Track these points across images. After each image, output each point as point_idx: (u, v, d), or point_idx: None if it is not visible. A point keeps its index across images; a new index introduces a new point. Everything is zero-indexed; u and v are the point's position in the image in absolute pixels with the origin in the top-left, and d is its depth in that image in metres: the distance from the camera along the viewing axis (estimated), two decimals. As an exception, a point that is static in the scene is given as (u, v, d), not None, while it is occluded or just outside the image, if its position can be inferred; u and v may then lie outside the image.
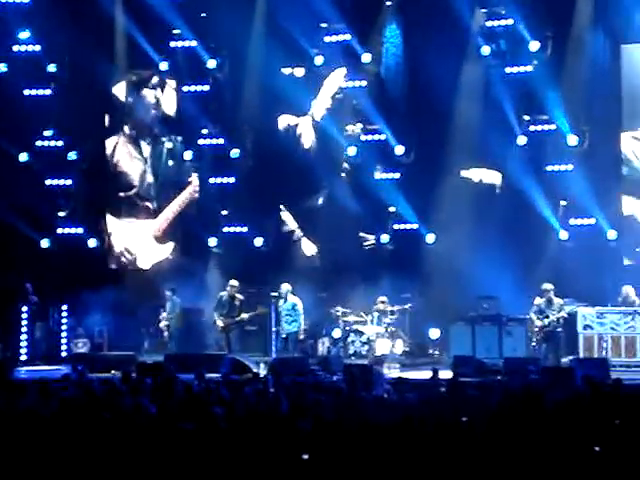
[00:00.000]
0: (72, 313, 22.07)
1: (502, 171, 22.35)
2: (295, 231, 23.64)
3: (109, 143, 24.39)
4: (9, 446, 8.63)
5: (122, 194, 24.38)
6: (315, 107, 23.49)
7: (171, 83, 23.90)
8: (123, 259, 24.38)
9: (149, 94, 24.18)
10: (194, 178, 23.98)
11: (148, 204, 24.29)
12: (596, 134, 21.43)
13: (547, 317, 19.39)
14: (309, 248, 23.57)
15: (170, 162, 24.17)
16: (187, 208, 24.06)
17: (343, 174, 23.34)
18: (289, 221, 23.71)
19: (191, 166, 23.90)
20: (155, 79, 24.08)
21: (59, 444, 8.70)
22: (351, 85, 23.03)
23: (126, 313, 22.40)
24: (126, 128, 24.33)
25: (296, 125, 23.61)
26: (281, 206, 23.66)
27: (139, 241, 24.29)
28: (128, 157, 24.39)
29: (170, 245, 24.11)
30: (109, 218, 24.35)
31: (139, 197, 24.33)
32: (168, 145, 24.11)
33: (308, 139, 23.64)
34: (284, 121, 23.64)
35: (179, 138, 24.01)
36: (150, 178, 24.32)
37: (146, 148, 24.34)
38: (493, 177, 22.56)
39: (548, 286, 19.49)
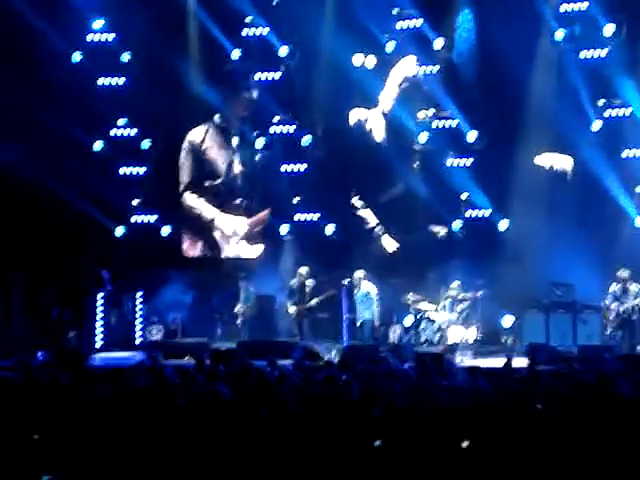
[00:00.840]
0: (146, 301, 22.30)
1: (576, 157, 22.10)
2: (376, 228, 23.50)
3: (198, 131, 24.40)
4: (85, 434, 8.75)
5: (207, 183, 24.40)
6: (383, 99, 23.40)
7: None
8: (205, 248, 24.33)
9: (244, 93, 24.03)
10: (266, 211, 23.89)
11: (237, 200, 24.19)
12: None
13: (623, 304, 19.18)
14: (390, 244, 23.42)
15: (257, 156, 24.09)
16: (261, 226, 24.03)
17: (416, 163, 23.21)
18: (369, 217, 23.56)
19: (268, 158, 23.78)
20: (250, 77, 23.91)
21: (135, 432, 8.80)
22: (423, 71, 22.91)
23: (199, 301, 22.60)
24: (216, 118, 24.32)
25: (366, 119, 23.53)
26: (358, 202, 23.52)
27: (226, 232, 24.22)
28: (217, 146, 24.38)
29: (260, 247, 24.04)
30: (194, 200, 24.28)
31: (226, 189, 24.31)
32: (254, 138, 23.96)
33: (379, 133, 23.55)
34: (355, 115, 23.58)
35: (260, 140, 23.79)
36: (237, 169, 24.29)
37: (235, 140, 24.31)
38: (564, 162, 22.32)
39: (624, 272, 19.27)
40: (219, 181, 24.30)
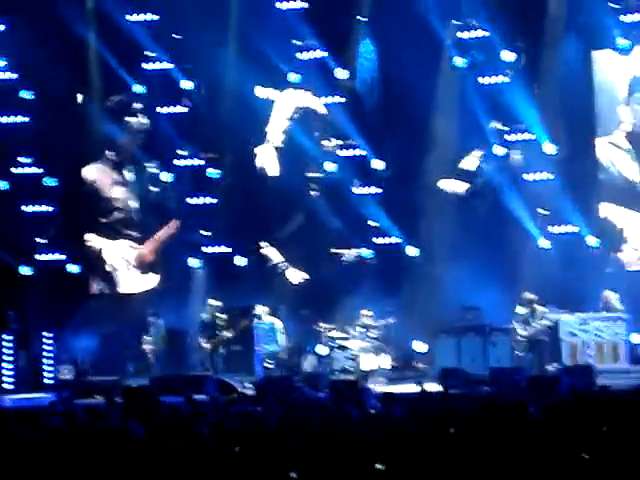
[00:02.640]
0: (56, 340, 21.96)
1: (479, 180, 22.40)
2: (279, 264, 23.54)
3: (91, 169, 24.27)
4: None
5: (104, 220, 24.26)
6: (271, 132, 23.48)
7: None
8: (104, 284, 24.21)
9: (131, 120, 24.05)
10: (174, 221, 23.83)
11: (131, 232, 24.13)
12: (573, 141, 21.55)
13: (530, 326, 19.46)
14: (295, 276, 23.47)
15: (152, 188, 24.04)
16: (168, 240, 23.90)
17: (317, 192, 23.28)
18: (272, 254, 23.59)
19: (172, 190, 23.74)
20: (136, 105, 23.93)
21: (47, 472, 8.64)
22: (321, 102, 23.09)
23: (109, 338, 22.33)
24: (108, 153, 24.22)
25: (257, 155, 23.61)
26: (261, 243, 23.54)
27: (122, 267, 24.14)
28: (111, 183, 24.27)
29: (155, 277, 23.93)
30: (92, 237, 24.14)
31: (122, 223, 24.20)
32: (152, 170, 23.95)
33: (272, 166, 23.61)
34: (256, 152, 23.68)
35: (159, 164, 23.81)
36: (133, 204, 24.20)
37: (129, 174, 24.23)
38: (465, 187, 22.61)
39: (530, 296, 19.58)
40: (114, 217, 24.15)
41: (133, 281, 24.12)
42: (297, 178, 23.29)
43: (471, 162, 22.36)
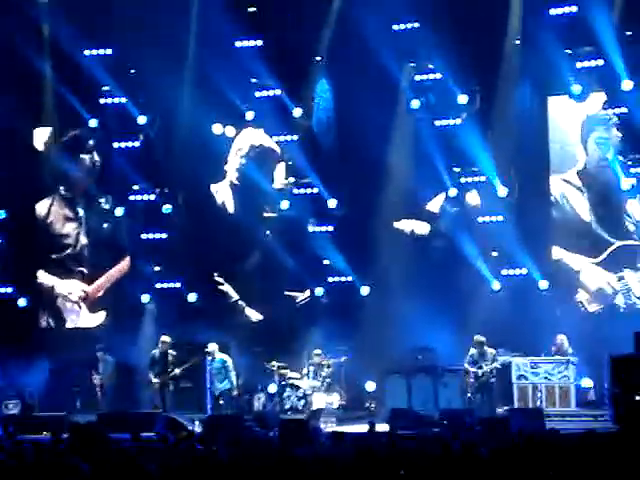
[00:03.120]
0: (2, 374, 21.69)
1: (434, 223, 22.51)
2: (238, 302, 23.48)
3: (43, 204, 24.13)
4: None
5: (54, 256, 24.07)
6: (228, 170, 23.52)
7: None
8: (53, 320, 24.00)
9: (85, 157, 23.95)
10: (127, 259, 23.72)
11: (81, 268, 23.96)
12: (526, 184, 21.73)
13: (481, 368, 19.51)
14: (254, 315, 23.42)
15: (105, 224, 23.92)
16: (119, 279, 23.76)
17: (270, 231, 23.28)
18: (230, 292, 23.53)
19: (126, 225, 23.62)
20: (91, 142, 23.85)
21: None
22: (275, 140, 23.14)
23: (58, 373, 22.08)
24: (61, 189, 24.09)
25: (217, 192, 23.61)
26: (218, 277, 23.47)
27: (71, 305, 23.96)
28: (62, 218, 24.13)
29: (102, 314, 23.78)
30: (42, 275, 24.02)
31: (72, 259, 24.04)
32: (105, 206, 23.85)
33: (230, 203, 23.61)
34: (212, 188, 23.66)
35: (119, 209, 23.61)
36: (84, 240, 24.04)
37: (81, 210, 24.09)
38: (425, 228, 22.73)
39: (480, 338, 19.64)
40: (64, 253, 24.00)
41: (81, 318, 23.92)
42: (252, 216, 23.27)
43: (436, 204, 22.47)
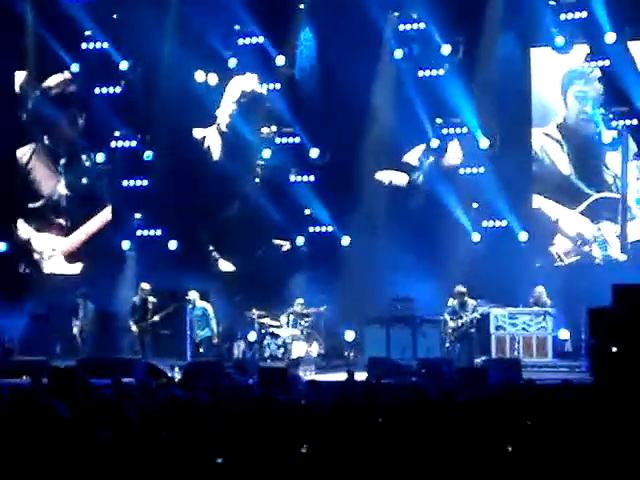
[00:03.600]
0: (-18, 319, 21.70)
1: (413, 174, 22.53)
2: (211, 253, 23.49)
3: (24, 150, 24.00)
4: None
5: (32, 205, 24.00)
6: (220, 115, 23.42)
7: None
8: (40, 262, 23.99)
9: (68, 107, 23.80)
10: (107, 210, 23.64)
11: (60, 220, 23.89)
12: (507, 136, 21.71)
13: (460, 318, 19.62)
14: (225, 265, 23.44)
15: (84, 180, 23.83)
16: (97, 233, 23.71)
17: (257, 179, 23.27)
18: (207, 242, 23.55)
19: (106, 175, 23.52)
20: (73, 86, 23.67)
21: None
22: (265, 88, 23.03)
23: (37, 318, 22.11)
24: (44, 138, 23.94)
25: (204, 137, 23.51)
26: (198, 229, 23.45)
27: (48, 253, 23.92)
28: (43, 167, 24.01)
29: (79, 265, 23.76)
30: (20, 224, 23.97)
31: (48, 209, 23.97)
32: (86, 163, 23.74)
33: (216, 150, 23.54)
34: (196, 134, 23.54)
35: (95, 154, 23.51)
36: (63, 191, 23.94)
37: (62, 159, 23.97)
38: (404, 179, 22.74)
39: (461, 288, 19.72)
40: (41, 202, 23.92)
41: (59, 267, 23.91)
42: (237, 164, 23.19)
43: (414, 156, 22.47)
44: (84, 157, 23.68)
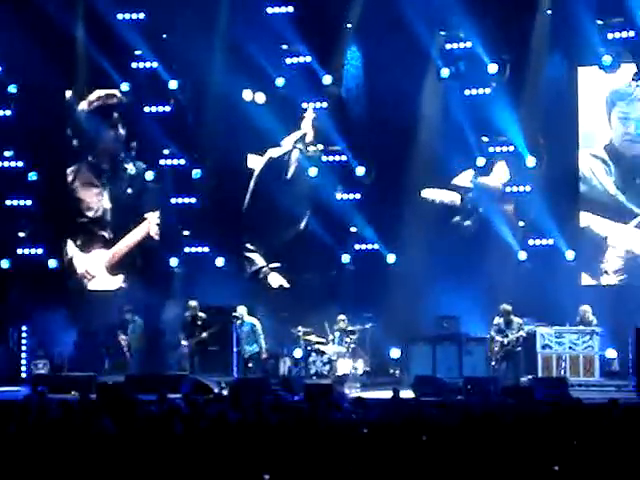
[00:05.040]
0: (32, 334, 21.95)
1: (462, 192, 22.53)
2: (263, 268, 23.61)
3: (70, 169, 24.29)
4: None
5: (79, 220, 24.27)
6: (299, 140, 23.51)
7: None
8: (83, 281, 24.25)
9: (114, 122, 24.07)
10: (150, 215, 23.88)
11: (103, 232, 24.12)
12: (554, 155, 21.68)
13: (506, 336, 19.56)
14: (277, 280, 23.55)
15: (129, 190, 24.08)
16: (142, 242, 23.94)
17: (306, 198, 23.38)
18: (258, 259, 23.65)
19: (153, 190, 23.75)
20: (115, 99, 23.97)
21: (19, 465, 8.67)
22: (312, 106, 23.16)
23: (86, 334, 22.31)
24: (89, 157, 24.23)
25: (278, 157, 23.59)
26: (250, 245, 23.60)
27: (94, 269, 24.17)
28: (86, 183, 24.25)
29: (120, 278, 23.98)
30: (70, 246, 24.24)
31: (94, 224, 24.20)
32: (131, 172, 24.00)
33: (292, 170, 23.67)
34: (269, 154, 23.62)
35: (142, 164, 23.78)
36: (107, 204, 24.19)
37: (105, 174, 24.23)
38: (453, 197, 22.74)
39: (507, 307, 19.67)
40: (88, 217, 24.16)
41: (102, 284, 24.12)
42: (300, 186, 23.30)
43: (465, 178, 22.45)
44: (129, 167, 23.87)
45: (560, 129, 21.59)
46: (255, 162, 23.72)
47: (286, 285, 23.39)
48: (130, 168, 23.93)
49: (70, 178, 24.27)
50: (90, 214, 24.17)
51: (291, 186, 23.40)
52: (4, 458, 8.82)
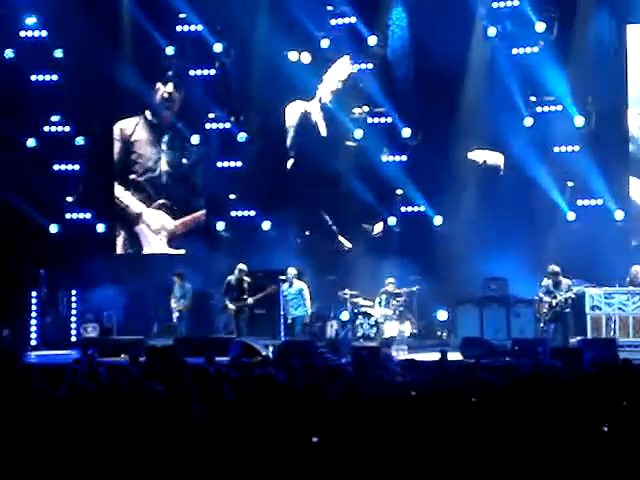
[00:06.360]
0: (81, 298, 22.16)
1: (509, 152, 22.33)
2: (332, 227, 23.60)
3: (128, 122, 24.30)
4: (19, 431, 8.69)
5: (134, 177, 24.36)
6: (322, 91, 23.47)
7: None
8: (130, 244, 24.33)
9: (170, 86, 24.09)
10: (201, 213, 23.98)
11: (159, 197, 24.16)
12: (602, 115, 21.44)
13: (555, 298, 19.43)
14: (346, 242, 23.56)
15: (184, 160, 24.13)
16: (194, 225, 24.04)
17: (351, 159, 23.29)
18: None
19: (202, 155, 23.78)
20: (169, 72, 23.96)
21: (68, 429, 8.75)
22: (357, 68, 23.03)
23: (135, 298, 22.49)
24: (147, 113, 24.27)
25: (309, 112, 23.58)
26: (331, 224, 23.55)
27: (153, 227, 24.22)
28: (145, 142, 24.34)
29: (181, 251, 24.04)
30: (120, 191, 24.25)
31: (151, 185, 24.26)
32: (186, 144, 24.01)
33: (322, 125, 23.62)
34: (298, 108, 23.59)
35: (194, 137, 23.72)
36: (164, 167, 24.27)
37: (165, 138, 24.28)
38: (497, 158, 22.58)
39: (555, 268, 19.52)
40: (144, 177, 24.26)
41: (160, 247, 24.23)
42: (339, 142, 23.23)
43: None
44: (186, 138, 23.93)
45: (609, 88, 21.34)
46: (289, 116, 23.60)
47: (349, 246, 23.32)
48: (185, 140, 23.90)
49: (128, 131, 24.27)
50: (148, 173, 24.22)
51: (331, 145, 23.28)
52: (55, 421, 8.91)
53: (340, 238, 23.48)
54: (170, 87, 24.03)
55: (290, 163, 23.72)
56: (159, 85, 24.04)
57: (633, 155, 21.67)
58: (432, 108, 21.84)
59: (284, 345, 18.53)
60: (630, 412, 9.19)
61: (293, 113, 23.68)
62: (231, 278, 20.81)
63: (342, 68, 23.33)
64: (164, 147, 24.23)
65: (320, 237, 23.56)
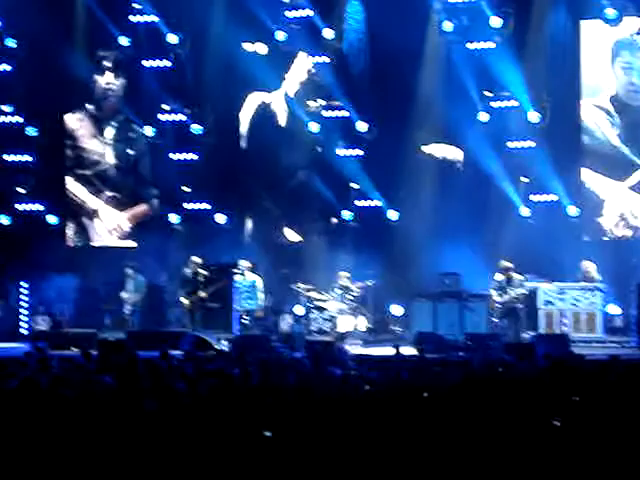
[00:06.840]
0: (32, 291, 21.93)
1: (464, 147, 22.40)
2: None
3: (73, 117, 24.13)
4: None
5: (81, 172, 24.18)
6: (288, 82, 23.37)
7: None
8: (79, 236, 24.14)
9: (109, 76, 23.92)
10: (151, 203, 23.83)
11: (107, 189, 24.02)
12: (557, 110, 21.54)
13: (506, 293, 19.52)
14: (293, 235, 23.50)
15: (131, 151, 23.95)
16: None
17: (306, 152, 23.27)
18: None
19: (152, 153, 23.64)
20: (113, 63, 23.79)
21: (19, 422, 8.65)
22: (313, 61, 22.97)
23: (87, 290, 22.31)
24: (89, 107, 24.08)
25: (270, 102, 23.50)
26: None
27: (109, 226, 24.08)
28: (90, 135, 24.16)
29: (131, 243, 23.90)
30: (71, 183, 24.04)
31: (99, 178, 24.11)
32: (132, 135, 23.83)
33: (282, 116, 23.54)
34: (256, 99, 23.51)
35: (148, 128, 23.58)
36: (111, 160, 24.11)
37: (110, 130, 24.09)
38: (455, 153, 22.62)
39: (507, 264, 19.62)
40: (92, 171, 24.08)
41: (110, 240, 24.08)
42: (298, 134, 23.17)
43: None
44: (132, 128, 23.76)
45: (563, 83, 21.47)
46: (247, 107, 23.53)
47: (299, 240, 23.30)
48: (133, 130, 23.73)
49: (74, 125, 24.09)
50: (96, 166, 24.05)
51: (287, 136, 23.23)
52: (5, 414, 8.80)
53: (285, 231, 23.42)
54: (110, 77, 23.84)
55: (242, 151, 23.58)
56: (96, 77, 23.84)
57: (587, 147, 21.81)
58: (388, 102, 21.85)
59: (238, 339, 18.45)
60: (581, 407, 9.23)
61: (251, 103, 23.58)
62: (186, 271, 20.71)
63: (303, 62, 23.27)
64: (109, 139, 24.05)
65: (271, 230, 23.50)
